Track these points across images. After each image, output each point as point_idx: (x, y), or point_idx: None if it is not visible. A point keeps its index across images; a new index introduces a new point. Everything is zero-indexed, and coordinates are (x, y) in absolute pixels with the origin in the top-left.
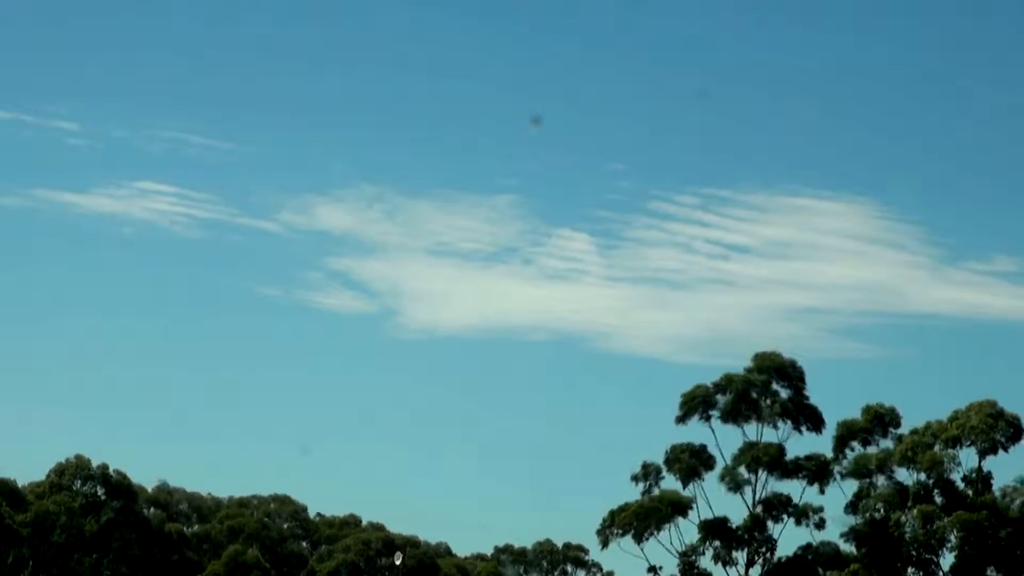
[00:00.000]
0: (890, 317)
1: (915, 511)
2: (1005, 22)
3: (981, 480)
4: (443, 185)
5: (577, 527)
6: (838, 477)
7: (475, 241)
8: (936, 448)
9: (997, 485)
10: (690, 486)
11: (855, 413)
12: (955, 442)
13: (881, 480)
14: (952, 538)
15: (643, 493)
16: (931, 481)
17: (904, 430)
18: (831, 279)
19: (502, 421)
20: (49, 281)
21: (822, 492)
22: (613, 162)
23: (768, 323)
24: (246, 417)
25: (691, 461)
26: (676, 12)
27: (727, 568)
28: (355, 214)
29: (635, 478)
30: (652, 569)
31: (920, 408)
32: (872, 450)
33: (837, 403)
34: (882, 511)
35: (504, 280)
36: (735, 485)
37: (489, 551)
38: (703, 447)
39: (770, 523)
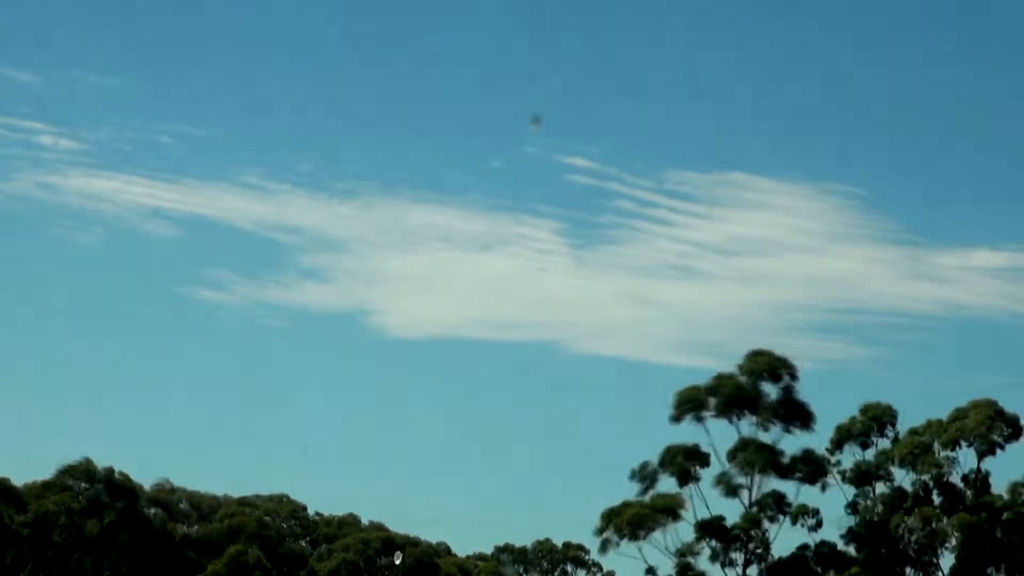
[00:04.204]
0: (868, 315)
1: (915, 512)
2: (985, 8)
3: (980, 481)
4: (414, 183)
5: (577, 527)
6: (837, 479)
7: (447, 239)
8: (935, 448)
9: (996, 483)
10: (686, 487)
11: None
12: (954, 443)
13: (880, 484)
14: (952, 539)
15: (639, 494)
16: (931, 482)
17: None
18: (802, 275)
19: (501, 420)
20: (28, 282)
21: (823, 490)
22: (575, 157)
23: (741, 321)
24: (246, 417)
25: (686, 463)
26: (650, 8)
27: (724, 568)
28: (327, 210)
29: (634, 475)
30: (650, 570)
31: (899, 407)
32: (870, 453)
33: (816, 401)
34: (882, 512)
35: (482, 277)
36: (730, 490)
37: (489, 551)
38: (696, 447)
39: (766, 523)
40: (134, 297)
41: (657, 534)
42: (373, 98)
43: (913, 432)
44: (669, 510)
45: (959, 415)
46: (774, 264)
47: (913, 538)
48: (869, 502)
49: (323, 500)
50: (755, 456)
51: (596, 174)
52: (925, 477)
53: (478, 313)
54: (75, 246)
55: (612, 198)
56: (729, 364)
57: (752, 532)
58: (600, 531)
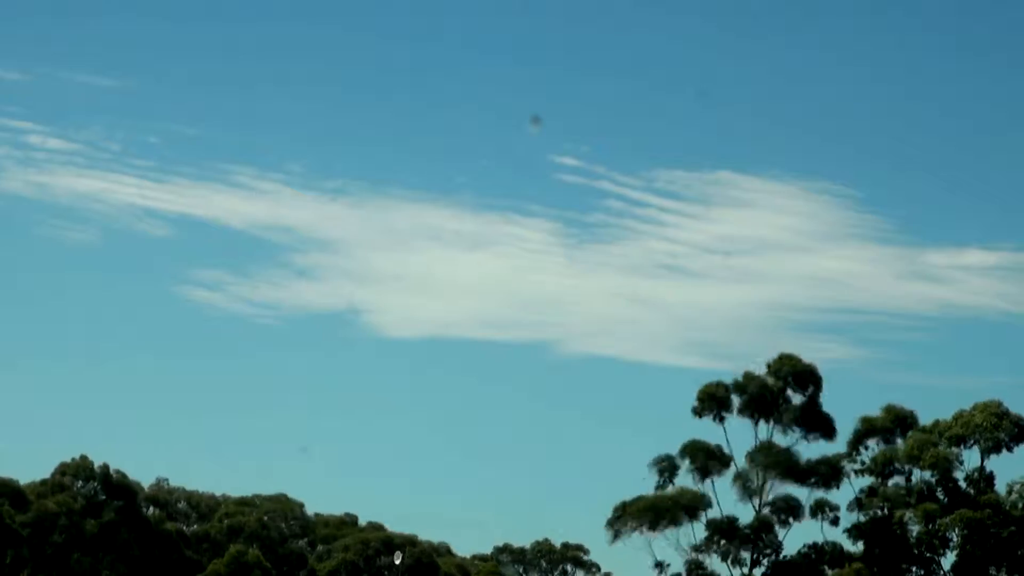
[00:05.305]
0: (860, 315)
1: (918, 509)
2: (980, 7)
3: (984, 479)
4: (405, 182)
5: (576, 527)
6: (851, 474)
7: (437, 239)
8: (940, 447)
9: (1000, 484)
10: (702, 484)
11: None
12: (959, 441)
13: (895, 478)
14: (954, 536)
15: (657, 487)
16: (934, 479)
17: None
18: (795, 275)
19: (496, 420)
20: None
21: (837, 487)
22: (565, 156)
23: (734, 320)
24: (244, 416)
25: (706, 461)
26: (643, 7)
27: (733, 568)
28: (318, 210)
29: (654, 464)
30: (659, 565)
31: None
32: (887, 448)
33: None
34: (885, 509)
35: (474, 276)
36: (748, 493)
37: (489, 551)
38: (718, 447)
39: (777, 526)
40: (127, 297)
41: (670, 530)
42: (363, 98)
43: (919, 430)
44: (690, 506)
45: (964, 415)
46: (766, 264)
47: (915, 534)
48: (874, 499)
49: (321, 500)
50: (773, 459)
51: (586, 173)
52: (928, 475)
53: (469, 312)
54: (67, 246)
55: (602, 197)
56: (724, 364)
57: (763, 535)
58: (612, 522)
